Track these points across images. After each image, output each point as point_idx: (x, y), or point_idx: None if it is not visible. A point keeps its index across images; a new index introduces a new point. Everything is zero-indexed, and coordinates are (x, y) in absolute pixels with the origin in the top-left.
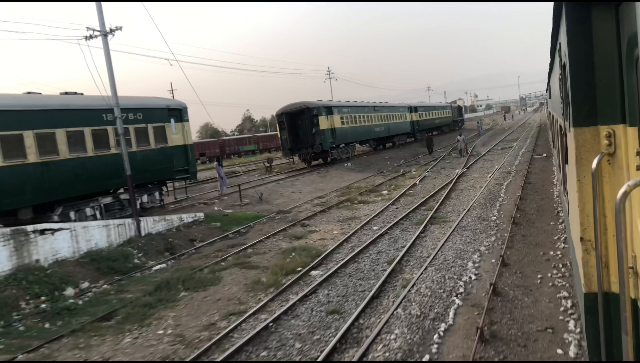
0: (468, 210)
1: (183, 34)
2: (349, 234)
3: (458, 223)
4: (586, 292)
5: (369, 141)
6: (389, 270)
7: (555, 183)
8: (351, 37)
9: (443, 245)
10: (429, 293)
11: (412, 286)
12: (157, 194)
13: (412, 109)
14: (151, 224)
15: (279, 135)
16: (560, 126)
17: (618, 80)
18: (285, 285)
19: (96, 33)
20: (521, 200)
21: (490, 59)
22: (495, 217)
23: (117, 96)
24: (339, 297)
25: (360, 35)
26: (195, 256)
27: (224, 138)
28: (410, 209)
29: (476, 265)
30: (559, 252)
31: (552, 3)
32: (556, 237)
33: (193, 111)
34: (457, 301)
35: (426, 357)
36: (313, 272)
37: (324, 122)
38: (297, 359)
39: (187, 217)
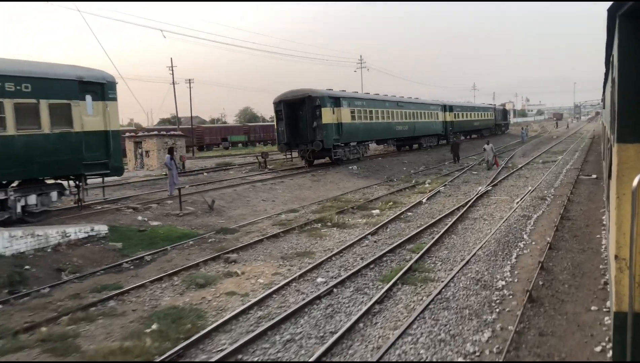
0: (467, 262)
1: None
2: (276, 287)
3: (441, 290)
4: (616, 310)
5: (387, 141)
6: None
7: (606, 223)
8: (402, 29)
9: (395, 342)
10: None
11: None
12: (54, 195)
13: (447, 108)
14: (5, 242)
15: (275, 127)
16: (609, 138)
17: None
18: None
19: None
20: (550, 251)
21: (546, 62)
22: (503, 283)
23: None
24: None
25: (410, 29)
26: (35, 302)
27: (250, 124)
28: (391, 247)
29: None
30: None
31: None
32: (598, 348)
33: (234, 95)
34: None
35: None
36: None
37: (327, 115)
38: None
39: (78, 232)
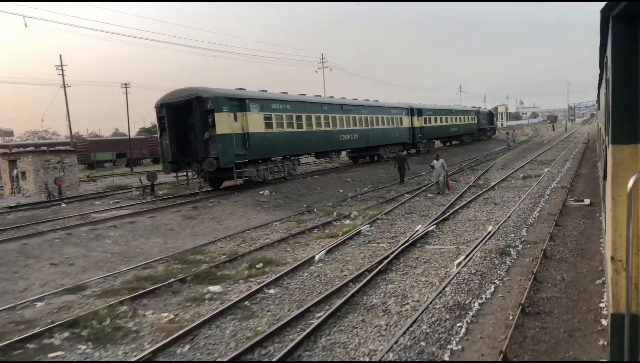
0: None
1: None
2: None
3: None
4: (614, 312)
5: (329, 153)
6: None
7: (606, 311)
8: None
9: None
10: None
11: None
12: None
13: (414, 112)
14: None
15: (158, 139)
16: (604, 139)
17: None
18: None
19: None
20: None
21: (539, 64)
22: None
23: None
24: None
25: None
26: None
27: None
28: None
29: None
30: None
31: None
32: None
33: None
34: None
35: None
36: None
37: (224, 123)
38: None
39: None
